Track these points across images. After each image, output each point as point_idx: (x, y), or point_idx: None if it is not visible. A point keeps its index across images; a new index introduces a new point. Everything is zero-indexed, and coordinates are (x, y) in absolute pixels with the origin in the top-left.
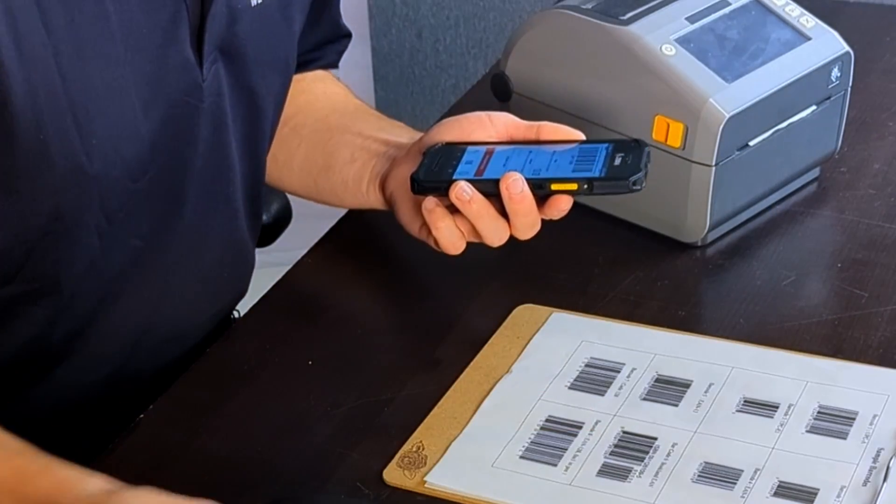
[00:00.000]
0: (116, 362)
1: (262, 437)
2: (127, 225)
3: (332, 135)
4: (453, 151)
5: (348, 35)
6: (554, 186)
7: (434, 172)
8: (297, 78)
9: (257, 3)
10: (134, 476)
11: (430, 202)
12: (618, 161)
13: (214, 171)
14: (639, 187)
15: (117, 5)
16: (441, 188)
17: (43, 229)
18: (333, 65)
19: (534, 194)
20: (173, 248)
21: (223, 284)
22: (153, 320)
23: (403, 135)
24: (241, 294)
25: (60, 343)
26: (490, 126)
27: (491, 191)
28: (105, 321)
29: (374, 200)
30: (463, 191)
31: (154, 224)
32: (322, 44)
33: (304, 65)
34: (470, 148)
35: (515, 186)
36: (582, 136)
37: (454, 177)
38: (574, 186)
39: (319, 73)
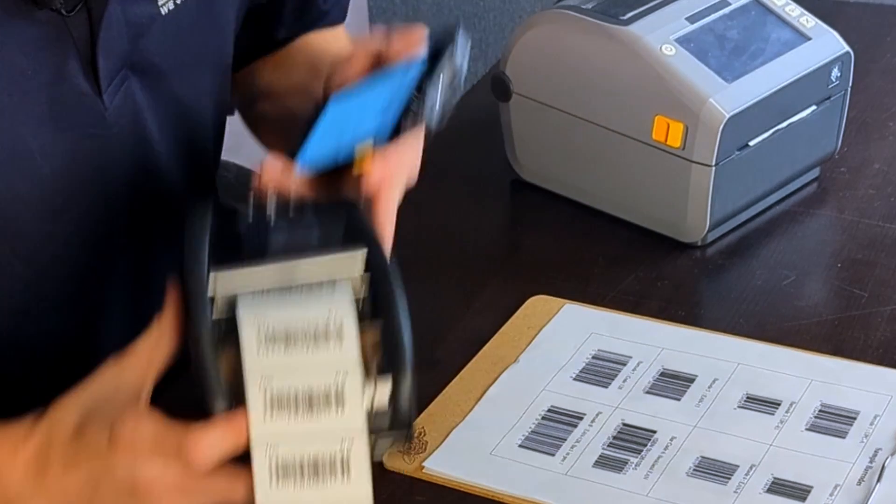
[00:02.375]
0: None
1: None
2: (55, 269)
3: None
4: (318, 113)
5: None
6: (357, 156)
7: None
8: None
9: (169, 11)
10: None
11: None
12: (415, 98)
13: (146, 190)
14: (431, 125)
15: None
16: None
17: None
18: (339, 21)
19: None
20: (117, 275)
21: None
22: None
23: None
24: None
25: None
26: (353, 60)
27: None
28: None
29: None
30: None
31: (90, 261)
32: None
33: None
34: (332, 105)
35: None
36: (420, 41)
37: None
38: (369, 150)
39: (310, 37)
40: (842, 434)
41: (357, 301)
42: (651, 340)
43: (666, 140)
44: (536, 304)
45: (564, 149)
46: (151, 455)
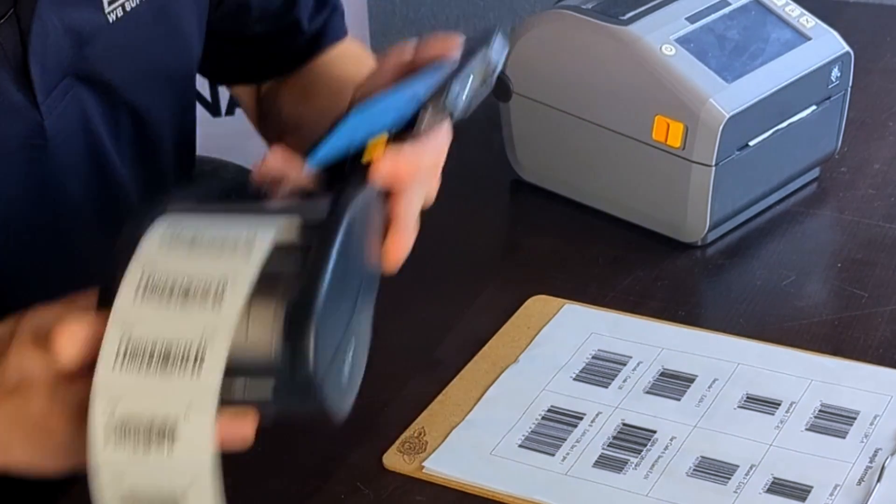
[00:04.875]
0: None
1: (261, 437)
2: (4, 276)
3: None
4: (338, 123)
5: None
6: (369, 149)
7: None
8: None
9: (118, 18)
10: None
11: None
12: (452, 86)
13: (100, 198)
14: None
15: None
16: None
17: None
18: (340, 37)
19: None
20: (68, 279)
21: None
22: None
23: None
24: None
25: None
26: (383, 67)
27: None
28: None
29: None
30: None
31: (40, 272)
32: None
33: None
34: (353, 115)
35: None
36: (455, 47)
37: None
38: (383, 142)
39: (331, 55)
40: (842, 434)
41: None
42: (651, 340)
43: (666, 140)
44: (536, 304)
45: (564, 149)
46: (32, 346)
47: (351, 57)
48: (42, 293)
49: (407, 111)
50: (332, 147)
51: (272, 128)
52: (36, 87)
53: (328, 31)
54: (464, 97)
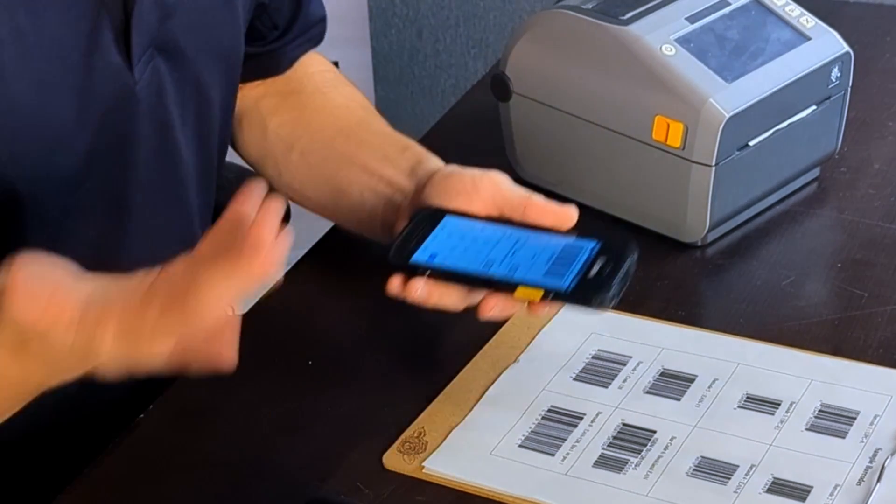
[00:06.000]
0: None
1: (261, 437)
2: (73, 241)
3: (340, 166)
4: (434, 221)
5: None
6: (518, 293)
7: (405, 250)
8: (293, 89)
9: None
10: (133, 476)
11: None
12: (595, 270)
13: (163, 171)
14: (605, 307)
15: (33, 22)
16: (406, 273)
17: None
18: (317, 42)
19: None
20: (124, 254)
21: None
22: None
23: (404, 166)
24: None
25: None
26: (475, 197)
27: (458, 280)
28: None
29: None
30: (415, 289)
31: (101, 231)
32: (299, 23)
33: (287, 52)
34: (452, 220)
35: (486, 307)
36: (571, 221)
37: (418, 258)
38: (538, 295)
39: (317, 79)
40: (842, 434)
41: None
42: (651, 340)
43: (666, 140)
44: None
45: (564, 149)
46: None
47: (336, 84)
48: (106, 252)
49: (549, 270)
50: (444, 249)
51: (253, 135)
52: (133, 52)
53: (312, 37)
54: (617, 291)
